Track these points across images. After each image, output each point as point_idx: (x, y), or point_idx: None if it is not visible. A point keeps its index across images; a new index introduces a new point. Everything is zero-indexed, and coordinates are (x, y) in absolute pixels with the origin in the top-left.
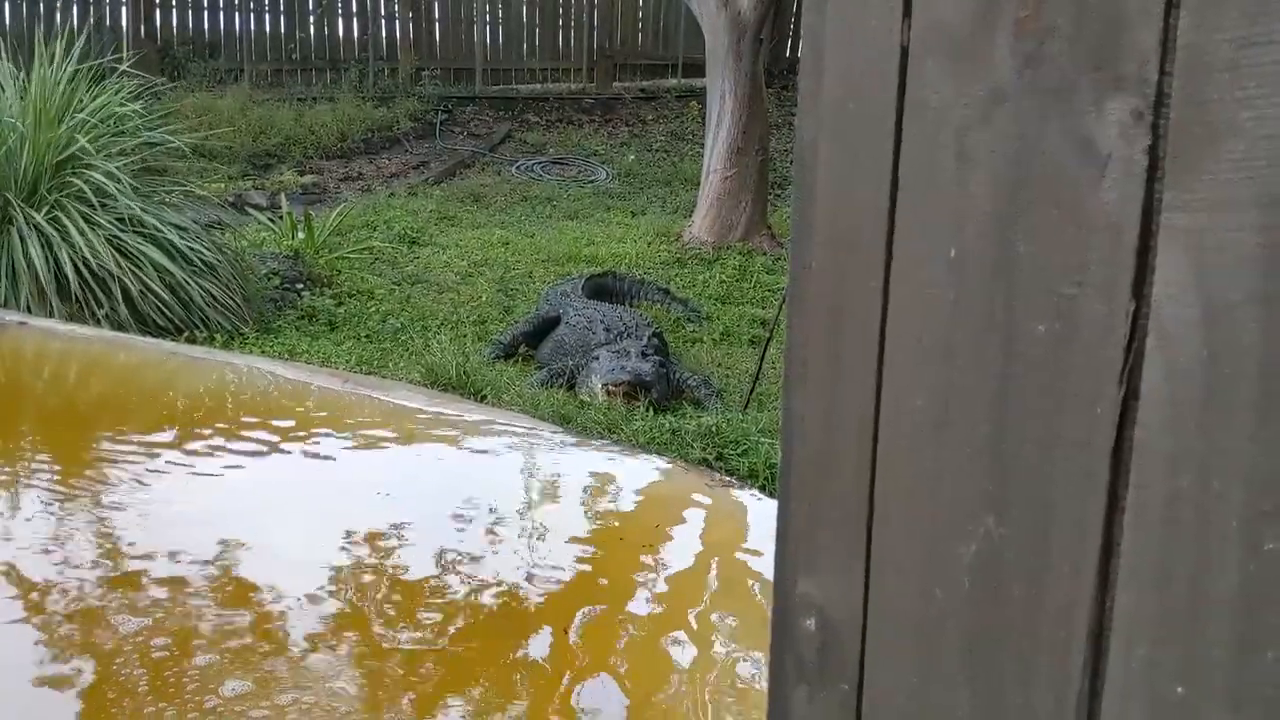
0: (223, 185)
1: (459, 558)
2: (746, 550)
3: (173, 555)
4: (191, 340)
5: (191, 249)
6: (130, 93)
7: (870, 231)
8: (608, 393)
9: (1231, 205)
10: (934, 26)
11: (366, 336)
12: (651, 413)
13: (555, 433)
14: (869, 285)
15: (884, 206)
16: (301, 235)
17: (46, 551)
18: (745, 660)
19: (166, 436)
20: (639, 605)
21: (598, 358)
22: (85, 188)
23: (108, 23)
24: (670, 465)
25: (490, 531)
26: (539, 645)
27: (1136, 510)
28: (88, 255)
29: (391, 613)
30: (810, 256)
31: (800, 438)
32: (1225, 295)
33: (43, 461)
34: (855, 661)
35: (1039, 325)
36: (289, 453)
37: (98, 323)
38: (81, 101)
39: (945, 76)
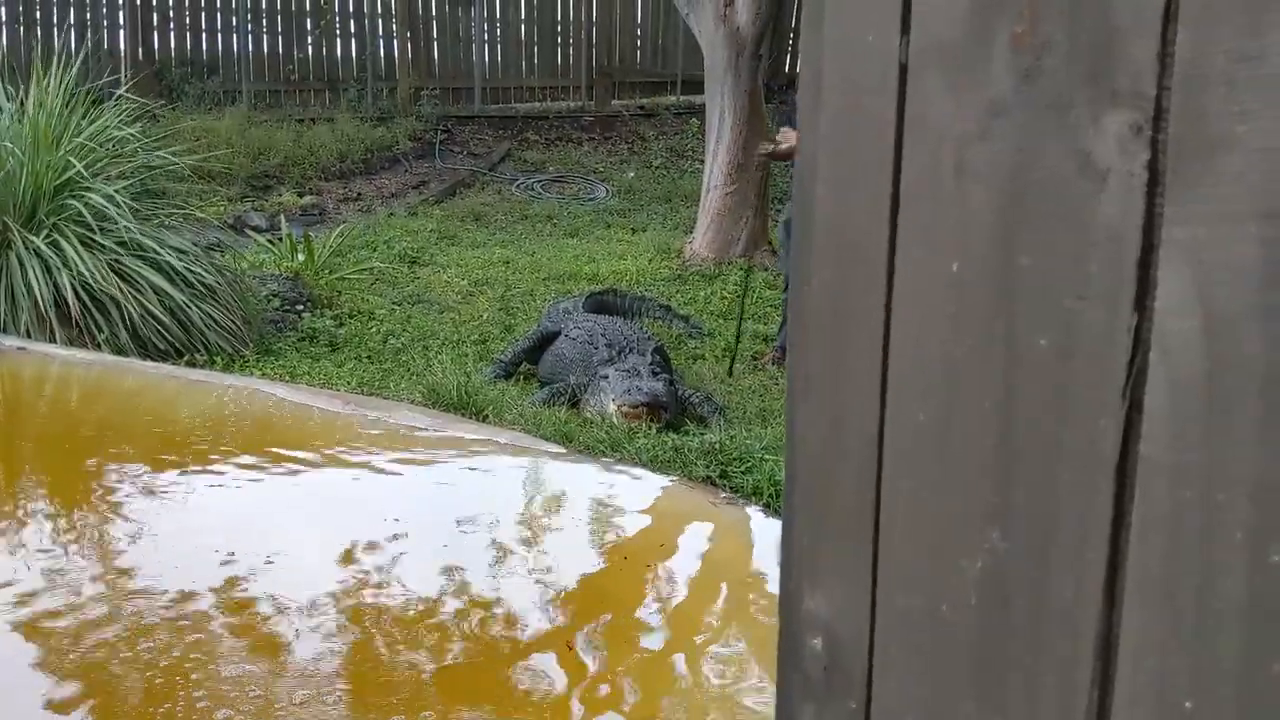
0: (222, 207)
1: (462, 577)
2: (751, 568)
3: (177, 579)
4: (192, 363)
5: (191, 271)
6: (128, 115)
7: (871, 247)
8: (623, 414)
9: (1231, 218)
10: (932, 42)
11: (368, 357)
12: (655, 430)
13: (558, 451)
14: (871, 300)
15: (885, 222)
16: (301, 256)
17: (48, 572)
18: (750, 678)
19: (167, 461)
20: (643, 623)
21: (606, 377)
22: (84, 211)
23: (105, 45)
24: (674, 483)
25: (493, 550)
26: (543, 662)
27: (1141, 523)
28: (87, 279)
29: (395, 631)
30: (811, 272)
31: (804, 453)
32: (1227, 308)
33: (42, 486)
34: (862, 679)
35: (1041, 339)
36: (293, 476)
37: (98, 347)
38: (80, 124)
39: (944, 92)
